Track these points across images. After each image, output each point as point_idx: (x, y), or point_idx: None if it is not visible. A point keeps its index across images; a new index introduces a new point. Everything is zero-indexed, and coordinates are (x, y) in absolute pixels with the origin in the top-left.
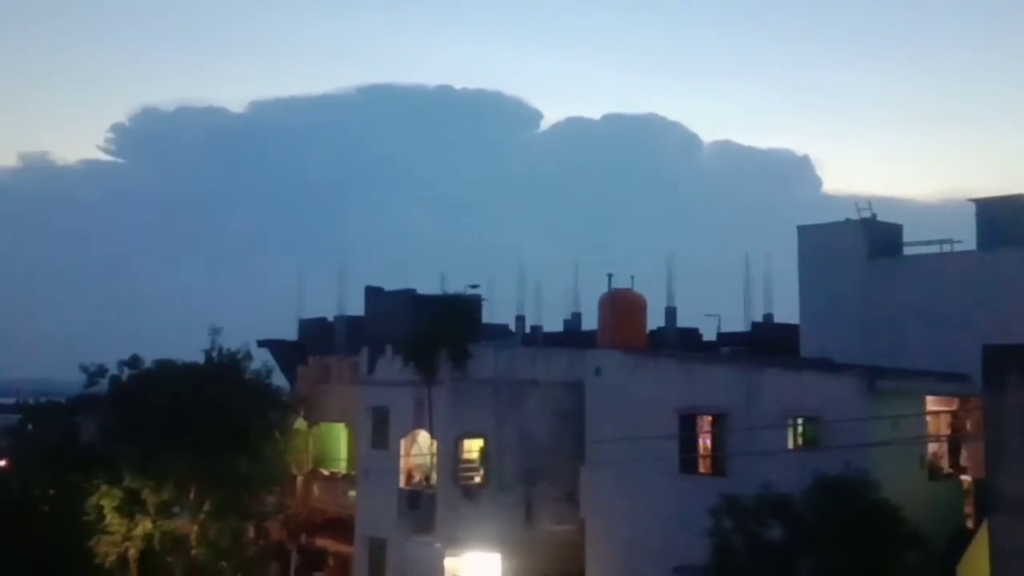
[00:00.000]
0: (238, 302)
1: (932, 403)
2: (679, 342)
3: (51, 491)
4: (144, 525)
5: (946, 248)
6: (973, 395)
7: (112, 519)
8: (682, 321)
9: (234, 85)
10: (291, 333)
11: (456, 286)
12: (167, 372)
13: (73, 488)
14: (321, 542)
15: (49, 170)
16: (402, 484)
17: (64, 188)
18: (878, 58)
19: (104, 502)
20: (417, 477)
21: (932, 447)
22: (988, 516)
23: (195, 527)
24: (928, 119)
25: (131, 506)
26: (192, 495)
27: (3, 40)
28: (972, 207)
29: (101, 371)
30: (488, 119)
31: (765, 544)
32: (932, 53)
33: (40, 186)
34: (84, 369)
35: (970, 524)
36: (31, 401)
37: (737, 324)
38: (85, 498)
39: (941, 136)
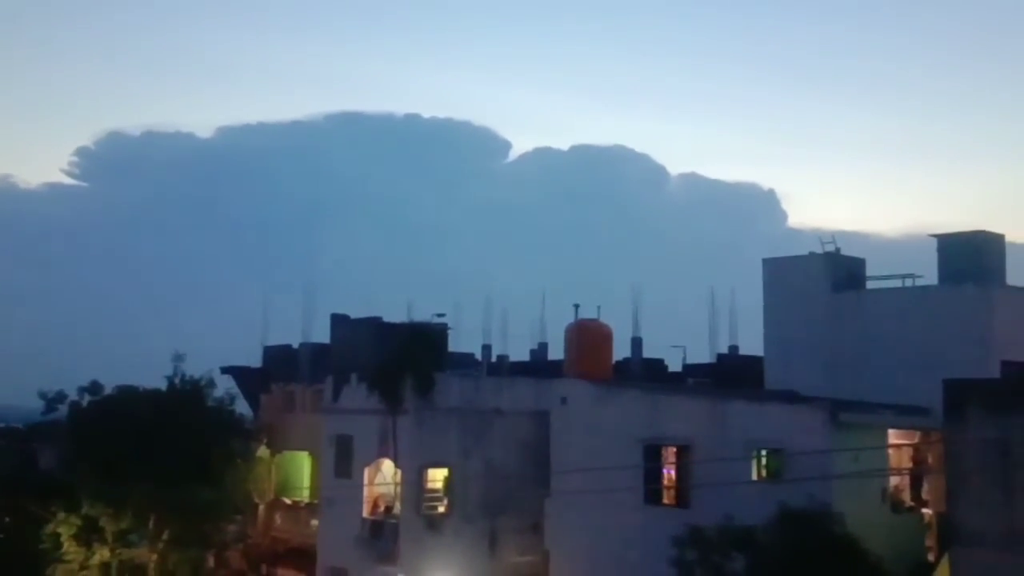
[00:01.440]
0: (203, 328)
1: (894, 436)
2: (645, 373)
3: (7, 519)
4: (102, 554)
5: (908, 282)
6: (934, 429)
7: (69, 547)
8: (648, 352)
9: (202, 110)
10: (255, 360)
11: (422, 314)
12: (128, 398)
13: (30, 516)
14: (282, 572)
15: (12, 193)
16: (365, 514)
17: (27, 211)
18: (844, 93)
19: (61, 530)
20: (381, 507)
21: (894, 480)
22: (949, 549)
23: (154, 556)
24: (892, 155)
25: (89, 534)
26: (151, 523)
27: None
28: (934, 242)
29: (60, 397)
30: (457, 148)
31: (728, 575)
32: (897, 89)
33: (3, 209)
34: (43, 395)
35: (931, 557)
36: None
37: (702, 356)
38: (42, 526)
39: (905, 171)
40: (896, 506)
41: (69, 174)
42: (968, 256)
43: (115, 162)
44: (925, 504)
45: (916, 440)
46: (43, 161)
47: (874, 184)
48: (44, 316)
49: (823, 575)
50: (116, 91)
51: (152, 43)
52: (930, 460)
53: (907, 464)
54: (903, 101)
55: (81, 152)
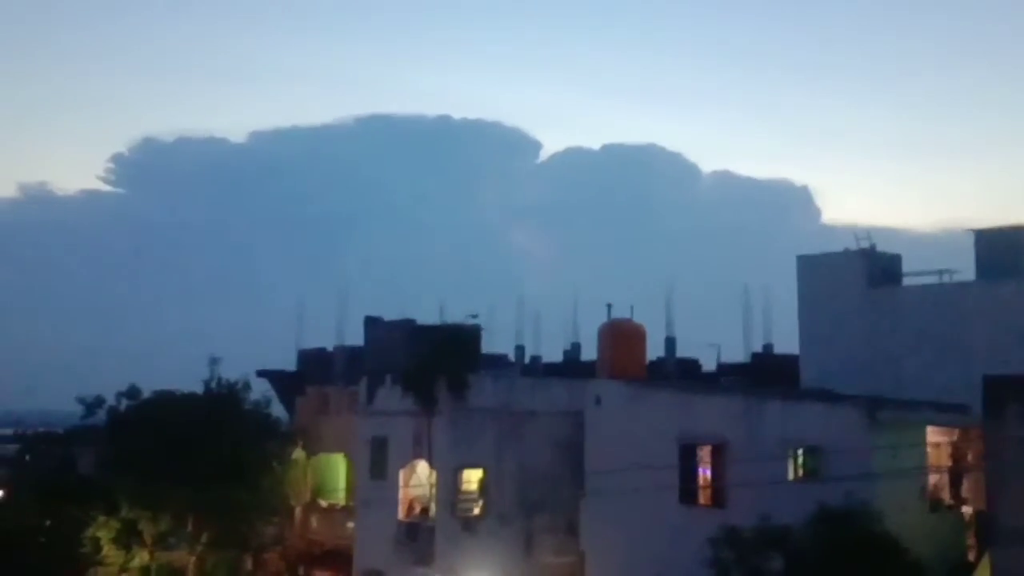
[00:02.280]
0: (238, 332)
1: (932, 434)
2: (679, 372)
3: (48, 522)
4: (141, 556)
5: (945, 278)
6: (974, 426)
7: (109, 551)
8: (681, 351)
9: (234, 115)
10: (290, 363)
11: (455, 316)
12: (165, 403)
13: (70, 519)
14: (319, 574)
15: (49, 200)
16: (401, 516)
17: (64, 218)
18: (878, 89)
19: (101, 533)
20: (416, 508)
21: (933, 478)
22: (989, 548)
23: (192, 559)
24: (927, 149)
25: (128, 537)
26: (189, 526)
27: (3, 70)
28: (971, 237)
29: (99, 402)
30: (487, 149)
31: (765, 575)
32: (932, 84)
33: (40, 216)
34: (81, 400)
35: (971, 556)
36: (29, 432)
37: (737, 354)
38: (82, 529)
39: (940, 166)
40: (935, 504)
41: (105, 180)
42: (1006, 251)
43: (150, 168)
44: (965, 502)
45: (955, 437)
46: (79, 168)
47: (908, 179)
48: (82, 322)
49: (861, 574)
50: (150, 97)
51: (184, 49)
52: (969, 458)
53: (946, 462)
54: (938, 94)
55: (116, 159)
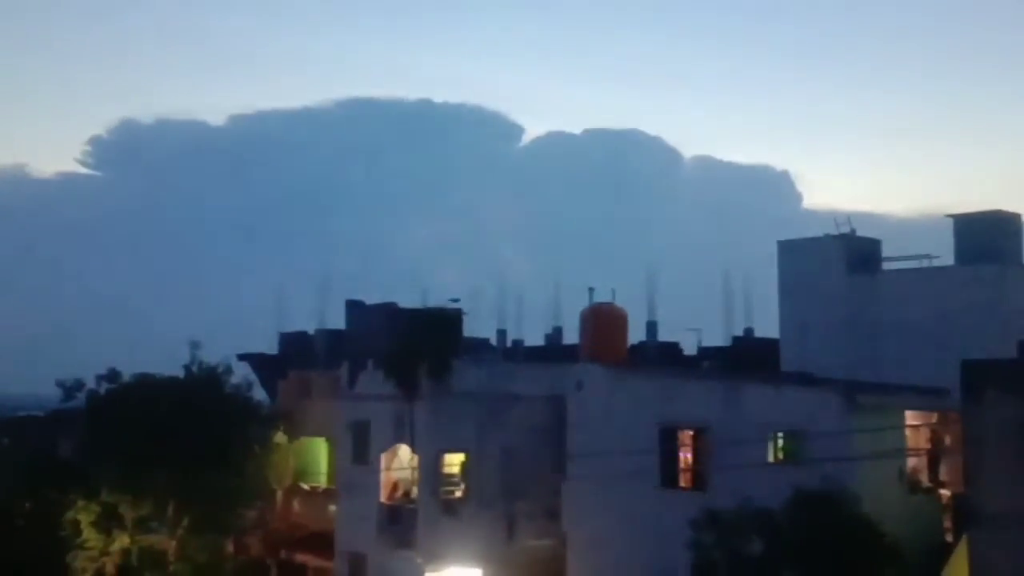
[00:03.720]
0: (218, 315)
1: (911, 417)
2: (660, 356)
3: (27, 506)
4: (122, 540)
5: (924, 263)
6: (952, 409)
7: (89, 534)
8: (663, 335)
9: (214, 98)
10: (272, 347)
11: (437, 299)
12: (146, 386)
13: (50, 503)
14: (301, 557)
15: (26, 183)
16: (383, 499)
17: (42, 201)
18: (858, 74)
19: (81, 517)
20: (399, 491)
21: (911, 461)
22: (967, 531)
23: (173, 543)
24: (907, 135)
25: (108, 521)
26: (171, 510)
27: None
28: (950, 223)
29: (78, 385)
30: (469, 133)
31: (745, 558)
32: (912, 69)
33: (17, 199)
34: (61, 384)
35: (949, 538)
36: (7, 416)
37: (717, 338)
38: (62, 513)
39: (920, 152)
40: (914, 487)
41: (83, 163)
42: (984, 236)
43: (128, 150)
44: (943, 485)
45: (934, 420)
46: (57, 150)
47: (889, 165)
48: (60, 305)
49: (839, 556)
50: (129, 79)
51: (164, 30)
52: (948, 441)
53: (924, 445)
54: (918, 81)
55: (94, 141)
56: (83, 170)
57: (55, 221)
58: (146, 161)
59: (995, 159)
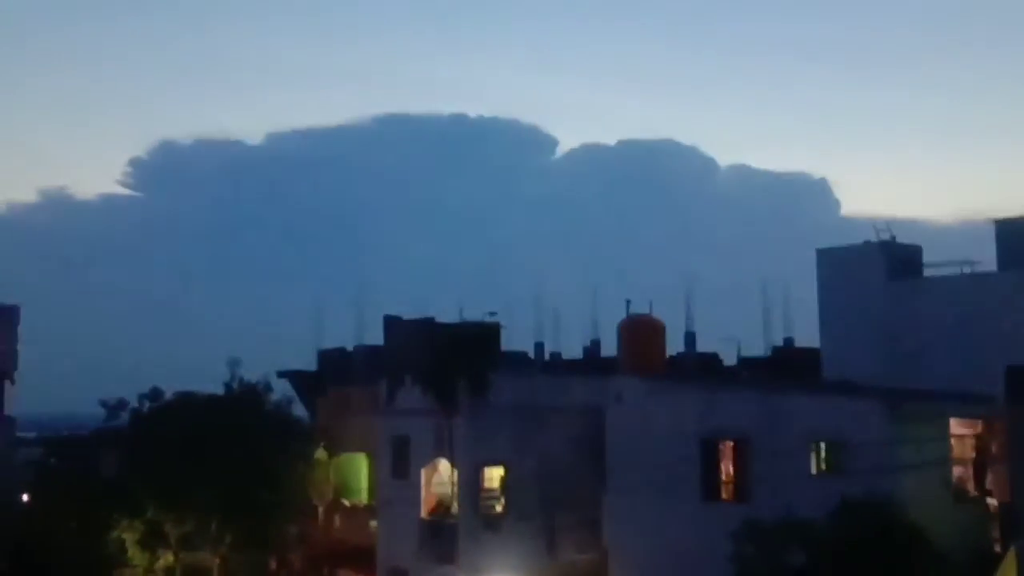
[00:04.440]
0: (258, 333)
1: (956, 426)
2: (699, 367)
3: (72, 525)
4: (166, 558)
5: (966, 269)
6: (997, 417)
7: (134, 553)
8: (701, 346)
9: (251, 117)
10: (310, 364)
11: (475, 313)
12: (187, 404)
13: (95, 521)
14: (343, 573)
15: (68, 204)
16: (423, 514)
17: (83, 222)
18: (894, 78)
19: (125, 535)
20: (439, 507)
21: (957, 470)
22: (1015, 540)
23: (217, 560)
24: (946, 139)
25: (153, 539)
26: (214, 527)
27: (21, 76)
28: (992, 228)
29: (121, 404)
30: (504, 146)
31: (788, 569)
32: (949, 72)
33: (59, 221)
34: (104, 403)
35: (997, 548)
36: (53, 435)
37: (757, 349)
38: (107, 531)
39: (959, 156)
40: (959, 496)
41: (123, 184)
42: None
43: (168, 171)
44: (990, 494)
45: (979, 429)
46: (98, 172)
47: (928, 170)
48: (103, 325)
49: (885, 566)
50: (167, 100)
51: (201, 50)
52: (993, 449)
53: (970, 454)
54: (956, 84)
55: (134, 162)
56: (124, 191)
57: (96, 242)
58: (185, 181)
59: None
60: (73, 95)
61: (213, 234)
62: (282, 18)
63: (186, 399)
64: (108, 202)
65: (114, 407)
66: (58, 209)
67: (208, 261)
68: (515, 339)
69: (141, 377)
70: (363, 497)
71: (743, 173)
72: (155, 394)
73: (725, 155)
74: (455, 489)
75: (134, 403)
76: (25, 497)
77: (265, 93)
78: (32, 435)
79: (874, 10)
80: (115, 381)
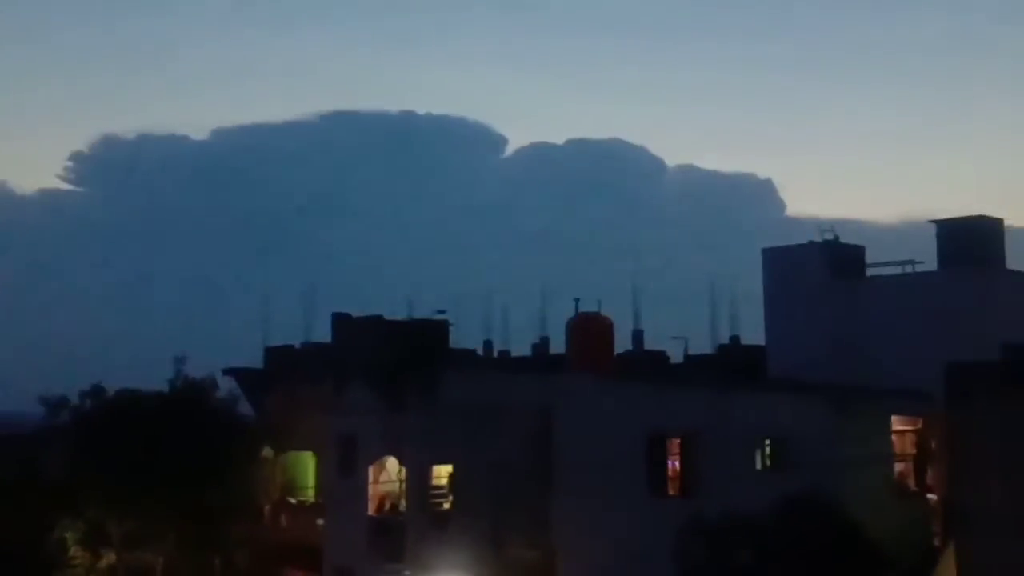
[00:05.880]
0: (203, 330)
1: (898, 422)
2: (647, 365)
3: (12, 524)
4: (108, 558)
5: (908, 269)
6: (937, 413)
7: (75, 553)
8: (649, 344)
9: (195, 113)
10: (257, 361)
11: (423, 312)
12: (131, 401)
13: (35, 522)
14: (290, 572)
15: (7, 199)
16: (371, 512)
17: (23, 217)
18: (840, 81)
19: (67, 535)
20: (387, 504)
21: (899, 466)
22: (954, 535)
23: (161, 559)
24: (888, 142)
25: (95, 539)
26: (158, 526)
27: None
28: (932, 228)
29: (63, 402)
30: (453, 144)
31: (732, 566)
32: (894, 76)
33: None
34: (44, 401)
35: (937, 542)
36: None
37: (704, 346)
38: (48, 531)
39: (901, 158)
40: (901, 492)
41: (64, 179)
42: (967, 241)
43: (110, 166)
44: (931, 490)
45: (919, 425)
46: (38, 167)
47: (871, 172)
48: (42, 322)
49: (827, 562)
50: (110, 94)
51: (145, 45)
52: (934, 445)
53: (911, 450)
54: (899, 87)
55: (75, 157)
56: (65, 186)
57: (37, 237)
58: (128, 176)
59: (977, 164)
60: (11, 89)
61: (157, 229)
62: (227, 12)
63: (129, 396)
64: (49, 197)
65: (55, 405)
66: None
67: (152, 257)
68: (464, 337)
69: (83, 374)
70: (310, 495)
71: (691, 173)
72: (97, 391)
73: (673, 155)
74: (403, 487)
75: (76, 401)
76: None
77: (210, 89)
78: None
79: (819, 20)
80: (55, 378)
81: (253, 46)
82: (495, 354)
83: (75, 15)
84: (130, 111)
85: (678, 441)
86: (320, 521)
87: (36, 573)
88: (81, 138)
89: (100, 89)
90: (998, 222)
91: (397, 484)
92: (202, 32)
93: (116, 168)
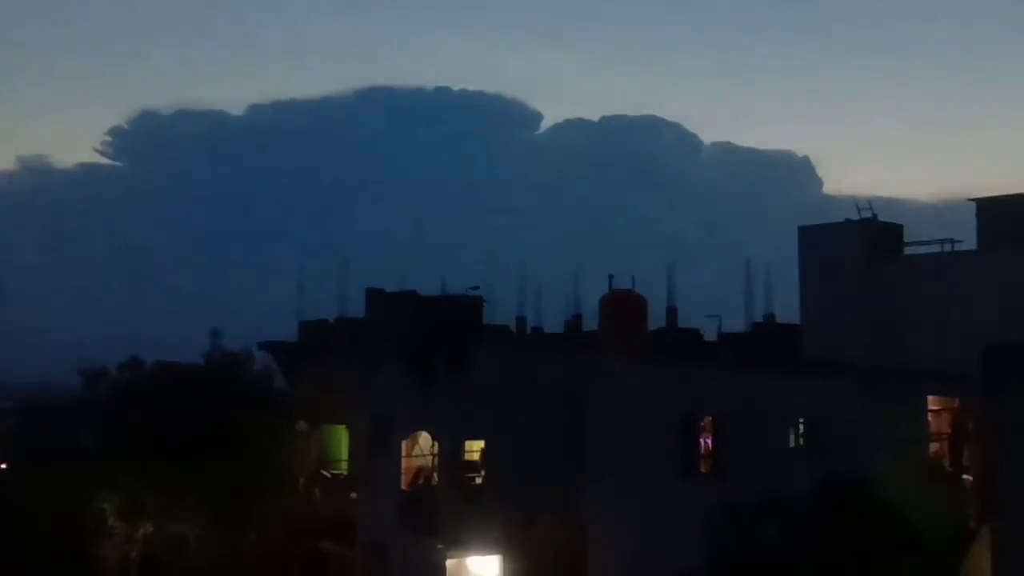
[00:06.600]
0: (239, 304)
1: (933, 403)
2: (680, 343)
3: (51, 494)
4: (146, 528)
5: (947, 248)
6: (975, 395)
7: (114, 523)
8: (683, 322)
9: (232, 87)
10: (292, 335)
11: (457, 287)
12: (168, 375)
13: (73, 491)
14: (323, 545)
15: (47, 173)
16: (404, 486)
17: (62, 191)
18: (878, 58)
19: (105, 505)
20: (420, 478)
21: (934, 447)
22: (990, 517)
23: (197, 531)
24: (928, 119)
25: (133, 510)
26: (193, 499)
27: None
28: (973, 207)
29: (101, 373)
30: (488, 120)
31: (763, 546)
32: (933, 52)
33: (38, 189)
34: (83, 372)
35: (972, 524)
36: (29, 405)
37: (738, 325)
38: (86, 501)
39: (941, 136)
40: (936, 473)
41: (103, 153)
42: (1008, 220)
43: (148, 140)
44: (966, 471)
45: (956, 406)
46: (77, 141)
47: (910, 149)
48: (83, 295)
49: (860, 543)
50: (148, 69)
51: (182, 20)
52: (970, 427)
53: (947, 430)
54: (939, 63)
55: (114, 131)
56: (103, 160)
57: (76, 211)
58: (166, 150)
59: (1017, 143)
60: (52, 64)
61: (194, 204)
62: None
63: (165, 369)
64: (88, 171)
65: (93, 376)
66: (37, 177)
67: (189, 231)
68: (497, 313)
69: (119, 347)
70: (344, 468)
71: (727, 150)
72: (135, 364)
73: (709, 132)
74: (435, 461)
75: (114, 373)
76: (2, 465)
77: (247, 64)
78: (9, 404)
79: None
80: (93, 351)
81: (290, 22)
82: (528, 330)
83: None
84: (167, 85)
85: (710, 420)
86: (353, 494)
87: (74, 542)
88: (120, 113)
89: (138, 65)
90: None
91: (430, 458)
92: (239, 8)
93: (154, 142)
